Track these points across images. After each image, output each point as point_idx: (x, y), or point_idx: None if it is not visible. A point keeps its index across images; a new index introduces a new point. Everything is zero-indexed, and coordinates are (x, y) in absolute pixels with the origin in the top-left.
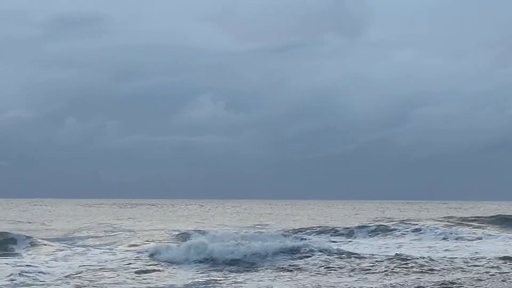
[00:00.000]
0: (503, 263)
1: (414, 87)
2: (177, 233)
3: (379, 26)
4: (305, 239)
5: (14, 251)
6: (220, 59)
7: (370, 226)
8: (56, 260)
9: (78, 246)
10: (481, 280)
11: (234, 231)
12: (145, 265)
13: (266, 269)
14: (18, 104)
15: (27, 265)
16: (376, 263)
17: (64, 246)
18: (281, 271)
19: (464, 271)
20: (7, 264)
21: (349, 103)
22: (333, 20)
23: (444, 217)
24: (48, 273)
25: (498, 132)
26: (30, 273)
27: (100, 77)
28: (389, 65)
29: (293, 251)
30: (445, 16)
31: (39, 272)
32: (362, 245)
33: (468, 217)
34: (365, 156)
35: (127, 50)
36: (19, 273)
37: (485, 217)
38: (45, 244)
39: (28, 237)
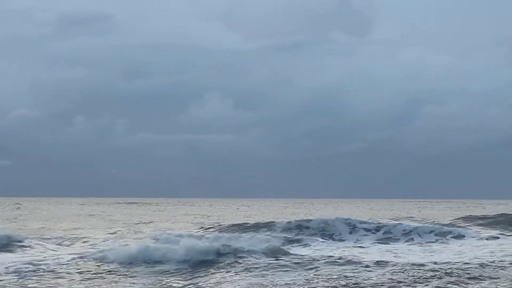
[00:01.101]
0: None
1: (421, 86)
2: (154, 235)
3: (385, 25)
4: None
5: (13, 248)
6: (227, 57)
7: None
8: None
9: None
10: None
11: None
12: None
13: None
14: (24, 103)
15: (33, 259)
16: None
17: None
18: None
19: None
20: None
21: (356, 101)
22: (340, 19)
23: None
24: (57, 264)
25: (506, 130)
26: (43, 264)
27: (107, 76)
28: (396, 63)
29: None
30: (452, 14)
31: (47, 264)
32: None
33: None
34: (371, 155)
35: (134, 49)
36: (33, 263)
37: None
38: (38, 243)
39: (28, 238)
